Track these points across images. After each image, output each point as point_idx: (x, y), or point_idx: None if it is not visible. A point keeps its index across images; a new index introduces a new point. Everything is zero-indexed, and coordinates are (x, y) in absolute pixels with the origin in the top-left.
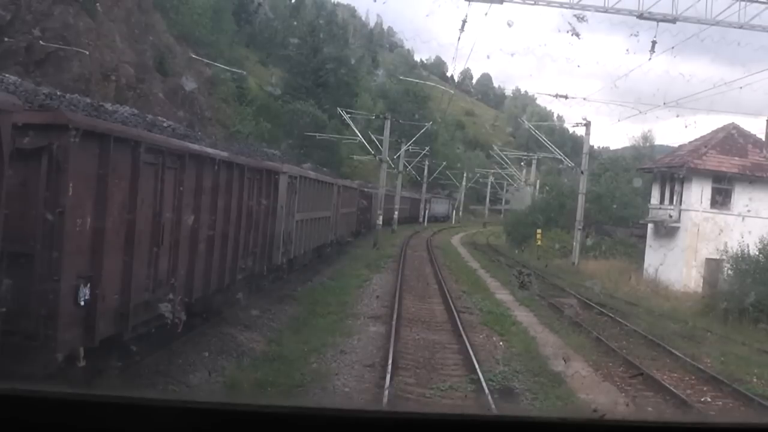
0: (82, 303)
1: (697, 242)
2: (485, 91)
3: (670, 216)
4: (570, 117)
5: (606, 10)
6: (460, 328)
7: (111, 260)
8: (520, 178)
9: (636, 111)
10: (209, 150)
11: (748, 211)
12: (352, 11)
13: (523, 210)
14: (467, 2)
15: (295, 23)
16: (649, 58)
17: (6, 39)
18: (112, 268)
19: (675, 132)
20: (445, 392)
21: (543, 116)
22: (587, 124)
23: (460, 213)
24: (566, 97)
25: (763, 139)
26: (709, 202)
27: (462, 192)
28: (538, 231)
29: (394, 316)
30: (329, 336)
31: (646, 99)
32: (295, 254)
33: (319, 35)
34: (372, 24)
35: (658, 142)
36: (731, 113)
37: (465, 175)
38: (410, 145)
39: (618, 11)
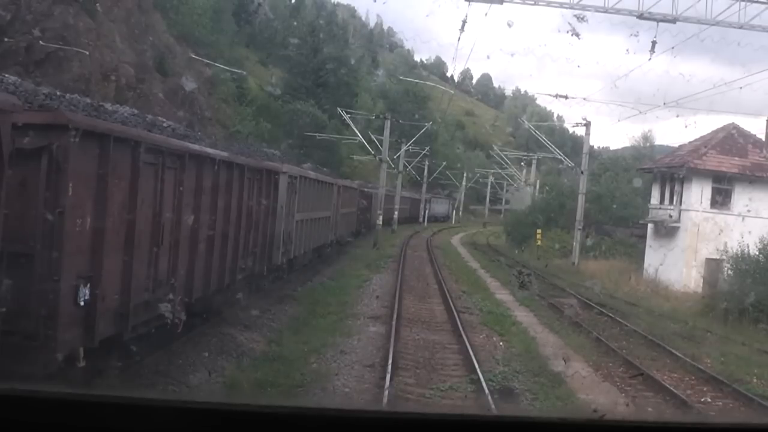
0: (82, 303)
1: (697, 242)
2: (485, 91)
3: (670, 216)
4: (570, 117)
5: (606, 10)
6: (460, 329)
7: (111, 260)
8: (520, 178)
9: (636, 111)
10: (209, 150)
11: (748, 211)
12: (352, 11)
13: (523, 210)
14: (467, 2)
15: (295, 23)
16: (649, 58)
17: (6, 39)
18: (112, 268)
19: (675, 132)
20: (445, 392)
21: (543, 116)
22: (587, 124)
23: (460, 213)
24: (566, 97)
25: (763, 139)
26: (709, 202)
27: (462, 192)
28: (538, 231)
29: (394, 317)
30: (329, 336)
31: (646, 99)
32: (295, 254)
33: (319, 35)
34: (372, 24)
35: (658, 142)
36: (731, 113)
37: (465, 175)
38: (410, 145)
39: (618, 11)
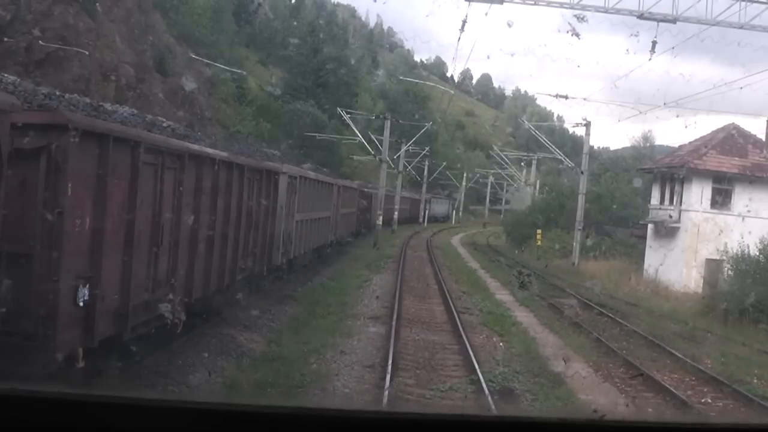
0: (82, 303)
1: (697, 242)
2: (485, 92)
3: (670, 216)
4: (570, 117)
5: (606, 11)
6: (460, 329)
7: (110, 261)
8: (520, 179)
9: (636, 111)
10: (209, 150)
11: (748, 211)
12: (352, 11)
13: (523, 210)
14: (467, 2)
15: (295, 23)
16: (650, 59)
17: (6, 39)
18: (112, 268)
19: (675, 132)
20: (445, 393)
21: (543, 116)
22: (587, 125)
23: (460, 213)
24: (566, 98)
25: (764, 139)
26: (709, 203)
27: (462, 192)
28: (538, 231)
29: (394, 317)
30: (329, 336)
31: (647, 99)
32: (294, 254)
33: (319, 35)
34: (372, 24)
35: (658, 142)
36: (731, 113)
37: (465, 175)
38: (410, 145)
39: (618, 11)
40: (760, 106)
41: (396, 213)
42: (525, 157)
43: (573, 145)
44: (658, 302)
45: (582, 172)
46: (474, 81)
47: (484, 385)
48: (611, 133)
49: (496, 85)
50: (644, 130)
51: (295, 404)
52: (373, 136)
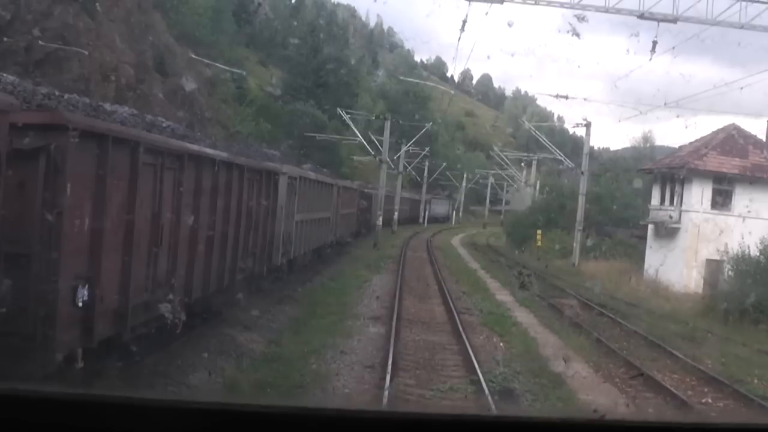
0: (81, 304)
1: (698, 243)
2: (485, 92)
3: (671, 217)
4: (570, 117)
5: (606, 10)
6: (460, 329)
7: (110, 261)
8: (520, 179)
9: (636, 111)
10: (208, 150)
11: (749, 212)
12: (352, 11)
13: (524, 211)
14: (467, 2)
15: (295, 23)
16: (650, 59)
17: (5, 39)
18: (111, 268)
19: (675, 133)
20: (446, 393)
21: (543, 117)
22: (587, 125)
23: (460, 214)
24: (567, 98)
25: (764, 140)
26: (709, 203)
27: (462, 193)
28: (538, 232)
29: (394, 317)
30: (329, 337)
31: (647, 99)
32: (294, 255)
33: (319, 35)
34: (372, 24)
35: (658, 142)
36: (732, 114)
37: (465, 175)
38: (410, 145)
39: (618, 11)
40: (761, 106)
41: (396, 213)
42: (525, 158)
43: (573, 146)
44: (659, 302)
45: (582, 173)
46: (474, 81)
47: (484, 386)
48: (611, 134)
49: (496, 85)
50: (644, 131)
51: (295, 404)
52: (373, 137)
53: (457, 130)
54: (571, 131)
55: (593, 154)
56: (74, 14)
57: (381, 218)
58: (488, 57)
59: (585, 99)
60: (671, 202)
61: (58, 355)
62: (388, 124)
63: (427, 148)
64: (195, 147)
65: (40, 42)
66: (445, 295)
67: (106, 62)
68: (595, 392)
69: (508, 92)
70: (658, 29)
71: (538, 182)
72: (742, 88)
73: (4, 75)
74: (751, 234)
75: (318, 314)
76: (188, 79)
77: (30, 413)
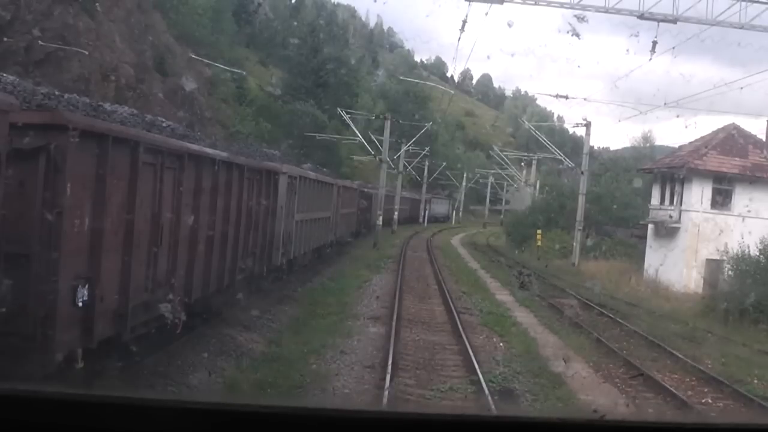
0: (81, 304)
1: (698, 243)
2: (485, 92)
3: (671, 216)
4: (570, 117)
5: (606, 11)
6: (460, 329)
7: (109, 261)
8: (520, 179)
9: (636, 111)
10: (208, 150)
11: (749, 211)
12: (352, 11)
13: (523, 210)
14: (467, 2)
15: (295, 23)
16: (650, 59)
17: (6, 39)
18: (111, 268)
19: (675, 132)
20: (445, 393)
21: (543, 117)
22: (587, 125)
23: (460, 213)
24: (566, 98)
25: (764, 139)
26: (709, 203)
27: (462, 192)
28: (538, 231)
29: (394, 317)
30: (329, 337)
31: (647, 99)
32: (294, 255)
33: (319, 35)
34: (372, 24)
35: (658, 142)
36: (732, 114)
37: (465, 175)
38: (410, 145)
39: (618, 11)
40: (761, 106)
41: (396, 213)
42: (525, 158)
43: (573, 146)
44: (659, 302)
45: (582, 173)
46: (474, 81)
47: (484, 386)
48: (611, 134)
49: (496, 85)
50: (644, 131)
51: (295, 404)
52: (373, 137)
53: (457, 130)
54: (571, 131)
55: (593, 153)
56: (74, 14)
57: (381, 218)
58: (488, 57)
59: (585, 99)
60: (671, 202)
61: (57, 356)
62: (388, 124)
63: (427, 148)
64: (195, 147)
65: (40, 42)
66: (445, 295)
67: (106, 62)
68: (595, 392)
69: (508, 92)
70: (658, 29)
71: (538, 182)
72: (742, 88)
73: (4, 75)
74: (751, 234)
75: (318, 314)
76: (188, 79)
77: (30, 413)
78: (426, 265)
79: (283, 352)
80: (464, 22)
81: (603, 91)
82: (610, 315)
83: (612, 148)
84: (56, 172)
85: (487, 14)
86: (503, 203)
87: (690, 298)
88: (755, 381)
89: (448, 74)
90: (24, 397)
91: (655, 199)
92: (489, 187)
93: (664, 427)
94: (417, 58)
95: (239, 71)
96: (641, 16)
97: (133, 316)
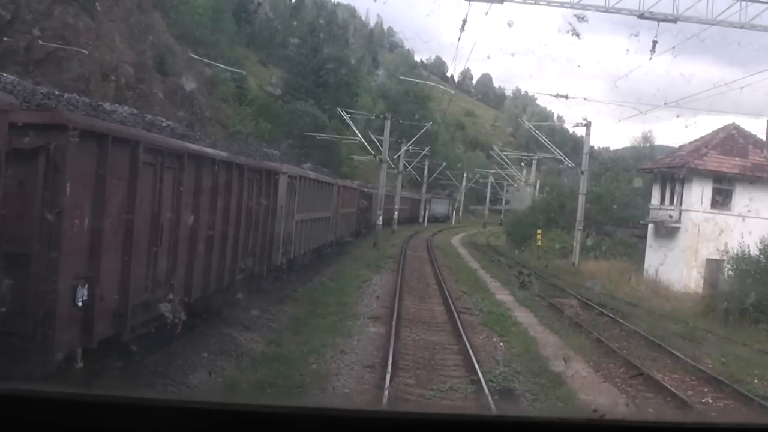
0: (80, 304)
1: (698, 243)
2: (485, 92)
3: (671, 216)
4: (570, 117)
5: (606, 10)
6: (460, 329)
7: (109, 261)
8: (520, 179)
9: (636, 111)
10: (208, 150)
11: (749, 211)
12: (352, 11)
13: (523, 210)
14: (467, 2)
15: (295, 23)
16: (650, 59)
17: (6, 39)
18: (111, 268)
19: (675, 132)
20: (446, 393)
21: (543, 116)
22: (587, 125)
23: (460, 213)
24: (566, 97)
25: (764, 139)
26: (709, 203)
27: (462, 192)
28: (538, 231)
29: (394, 317)
30: (329, 336)
31: (647, 99)
32: (294, 254)
33: (319, 35)
34: (372, 24)
35: (658, 142)
36: (732, 114)
37: (465, 175)
38: (410, 145)
39: (618, 11)
40: (761, 106)
41: (396, 213)
42: (525, 157)
43: (573, 145)
44: (659, 302)
45: (582, 172)
46: (474, 81)
47: (484, 385)
48: (611, 133)
49: (496, 85)
50: (644, 130)
51: (295, 404)
52: (373, 136)
53: (457, 130)
54: (571, 131)
55: (593, 153)
56: (74, 14)
57: (381, 218)
58: (488, 57)
59: (585, 99)
60: (671, 202)
61: (57, 355)
62: (388, 124)
63: (427, 148)
64: (195, 146)
65: (40, 42)
66: (445, 295)
67: (106, 62)
68: (595, 392)
69: (508, 92)
70: (658, 29)
71: (538, 182)
72: (742, 87)
73: (4, 75)
74: (751, 233)
75: (318, 314)
76: (188, 79)
77: (30, 413)
78: (426, 265)
79: (283, 352)
80: (464, 21)
81: (603, 91)
82: (610, 315)
83: (612, 148)
84: (56, 172)
85: (487, 14)
86: (503, 203)
87: (690, 298)
88: (755, 381)
89: (448, 74)
90: (24, 397)
91: (655, 199)
92: (489, 187)
93: (664, 426)
94: (417, 58)
95: (239, 71)
96: (641, 16)
97: (133, 315)
